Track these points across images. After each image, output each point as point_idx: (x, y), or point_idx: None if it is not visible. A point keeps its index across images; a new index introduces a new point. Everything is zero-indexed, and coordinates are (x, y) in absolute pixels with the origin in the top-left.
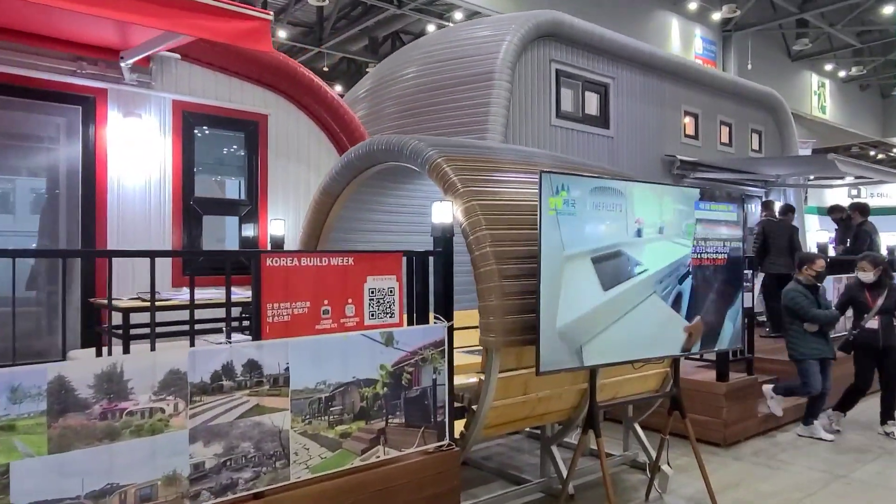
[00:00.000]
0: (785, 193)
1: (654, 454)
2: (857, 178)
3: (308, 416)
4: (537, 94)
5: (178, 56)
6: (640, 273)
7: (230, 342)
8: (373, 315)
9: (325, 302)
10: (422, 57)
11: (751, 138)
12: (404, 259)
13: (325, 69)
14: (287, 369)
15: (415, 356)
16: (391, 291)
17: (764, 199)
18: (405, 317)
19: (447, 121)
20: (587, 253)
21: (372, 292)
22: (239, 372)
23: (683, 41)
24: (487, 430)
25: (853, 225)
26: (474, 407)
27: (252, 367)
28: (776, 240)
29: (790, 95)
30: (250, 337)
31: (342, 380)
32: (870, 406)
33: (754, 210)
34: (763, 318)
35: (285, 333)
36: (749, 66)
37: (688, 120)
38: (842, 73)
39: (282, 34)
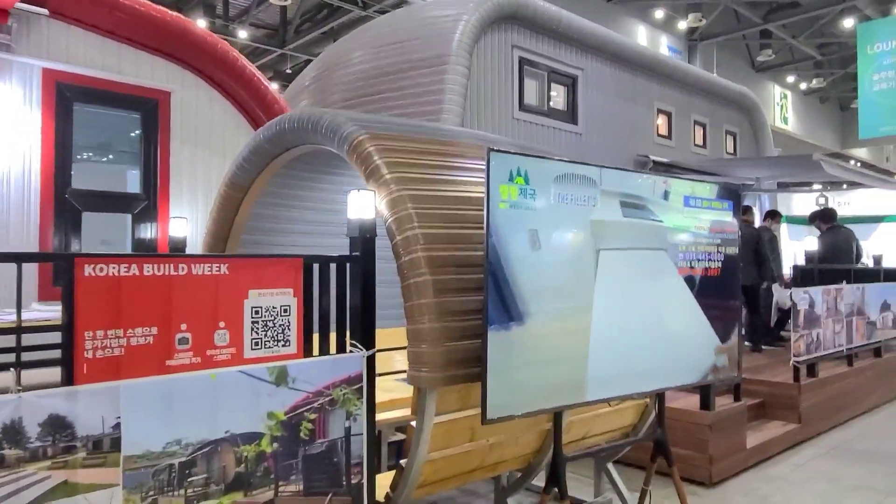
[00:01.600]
0: (760, 199)
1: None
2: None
3: (152, 493)
4: (498, 83)
5: (45, 12)
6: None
7: (20, 389)
8: (258, 344)
9: (183, 327)
10: (371, 40)
11: (725, 140)
12: (316, 266)
13: (289, 71)
14: (117, 426)
15: (319, 398)
16: (285, 310)
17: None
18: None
19: (398, 109)
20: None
21: (257, 312)
22: (34, 434)
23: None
24: (422, 489)
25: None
26: (403, 462)
27: (56, 425)
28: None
29: None
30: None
31: (208, 437)
32: (869, 435)
33: None
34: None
35: (115, 374)
36: (714, 76)
37: (661, 118)
38: (803, 86)
39: (243, 34)
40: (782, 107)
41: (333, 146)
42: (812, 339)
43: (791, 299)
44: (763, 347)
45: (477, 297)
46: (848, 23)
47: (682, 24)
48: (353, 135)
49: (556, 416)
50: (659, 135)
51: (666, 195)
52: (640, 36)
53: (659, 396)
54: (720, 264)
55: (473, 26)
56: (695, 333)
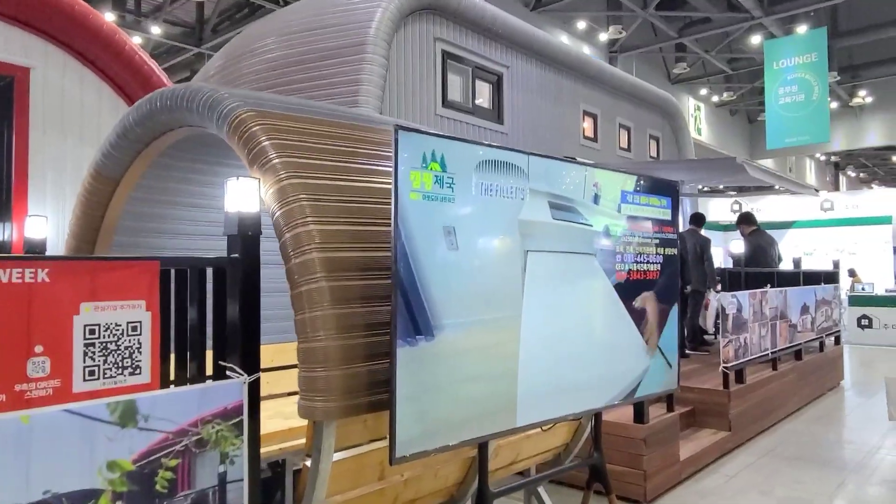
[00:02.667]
0: (682, 204)
1: None
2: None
3: None
4: (420, 77)
5: None
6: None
7: None
8: (93, 374)
9: None
10: (283, 27)
11: (649, 144)
12: (185, 272)
13: None
14: None
15: (182, 438)
16: (134, 329)
17: None
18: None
19: (321, 99)
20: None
21: (92, 332)
22: None
23: (577, 50)
24: None
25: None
26: None
27: None
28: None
29: None
30: None
31: (20, 501)
32: (794, 440)
33: None
34: None
35: None
36: (639, 80)
37: (587, 120)
38: (715, 98)
39: (156, 31)
40: (696, 118)
41: (213, 126)
42: (740, 344)
43: (718, 304)
44: (688, 352)
45: (388, 308)
46: (755, 40)
47: (604, 36)
48: (235, 111)
49: (481, 447)
50: (585, 137)
51: (596, 199)
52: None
53: (595, 416)
54: (659, 267)
55: (392, 15)
56: (630, 344)
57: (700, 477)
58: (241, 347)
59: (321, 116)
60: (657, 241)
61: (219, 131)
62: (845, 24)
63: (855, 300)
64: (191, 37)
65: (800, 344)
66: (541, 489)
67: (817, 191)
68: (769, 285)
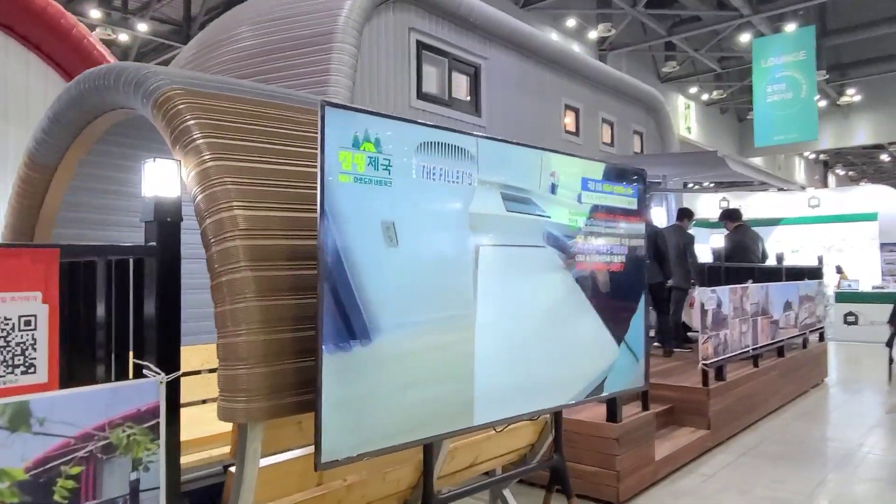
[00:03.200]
0: (667, 199)
1: None
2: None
3: None
4: (394, 68)
5: None
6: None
7: None
8: None
9: None
10: (255, 15)
11: (633, 139)
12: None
13: None
14: None
15: (87, 443)
16: (27, 323)
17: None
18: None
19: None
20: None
21: None
22: None
23: (558, 42)
24: None
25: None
26: None
27: None
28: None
29: None
30: None
31: None
32: (776, 437)
33: None
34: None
35: None
36: (623, 74)
37: (569, 115)
38: (705, 97)
39: (143, 28)
40: (686, 117)
41: (140, 105)
42: (720, 341)
43: (698, 300)
44: (673, 350)
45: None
46: (744, 38)
47: (593, 34)
48: (161, 89)
49: (427, 449)
50: (567, 131)
51: (553, 188)
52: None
53: (556, 416)
54: (624, 258)
55: (363, 3)
56: (594, 339)
57: (677, 477)
58: (159, 344)
59: (255, 96)
60: (622, 231)
61: (144, 110)
62: (833, 23)
63: (841, 297)
64: (178, 34)
65: (782, 340)
66: (507, 492)
67: (803, 188)
68: (750, 281)
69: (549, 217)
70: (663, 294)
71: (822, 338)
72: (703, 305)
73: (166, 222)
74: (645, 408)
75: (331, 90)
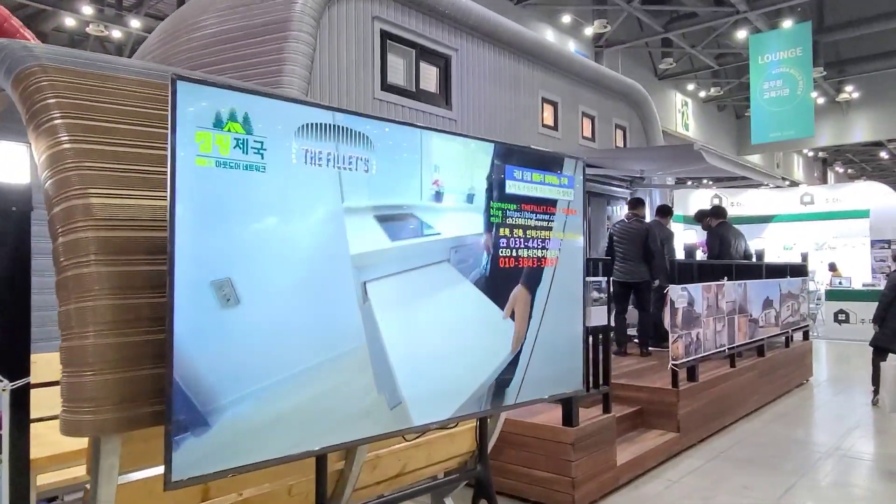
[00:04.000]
0: (651, 195)
1: None
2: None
3: None
4: (356, 59)
5: None
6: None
7: None
8: None
9: None
10: (215, 3)
11: (615, 133)
12: None
13: None
14: None
15: None
16: None
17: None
18: None
19: (243, 80)
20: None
21: None
22: None
23: (534, 34)
24: None
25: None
26: None
27: None
28: (622, 244)
29: (658, 112)
30: None
31: None
32: (750, 440)
33: (618, 212)
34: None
35: None
36: (603, 68)
37: (546, 108)
38: (702, 94)
39: (136, 24)
40: (683, 114)
41: (4, 83)
42: (691, 340)
43: (668, 297)
44: (650, 349)
45: None
46: (741, 34)
47: (589, 30)
48: (24, 64)
49: (319, 462)
50: (544, 125)
51: (438, 196)
52: (549, 40)
53: (480, 423)
54: (558, 252)
55: None
56: (503, 344)
57: (640, 483)
58: (4, 348)
59: (130, 74)
60: (555, 223)
61: (7, 88)
62: (831, 19)
63: (832, 294)
64: None
65: (762, 339)
66: (448, 499)
67: (785, 179)
68: (726, 278)
69: (438, 234)
70: (649, 294)
71: (806, 336)
72: (672, 303)
73: (11, 212)
74: (606, 410)
75: (285, 80)
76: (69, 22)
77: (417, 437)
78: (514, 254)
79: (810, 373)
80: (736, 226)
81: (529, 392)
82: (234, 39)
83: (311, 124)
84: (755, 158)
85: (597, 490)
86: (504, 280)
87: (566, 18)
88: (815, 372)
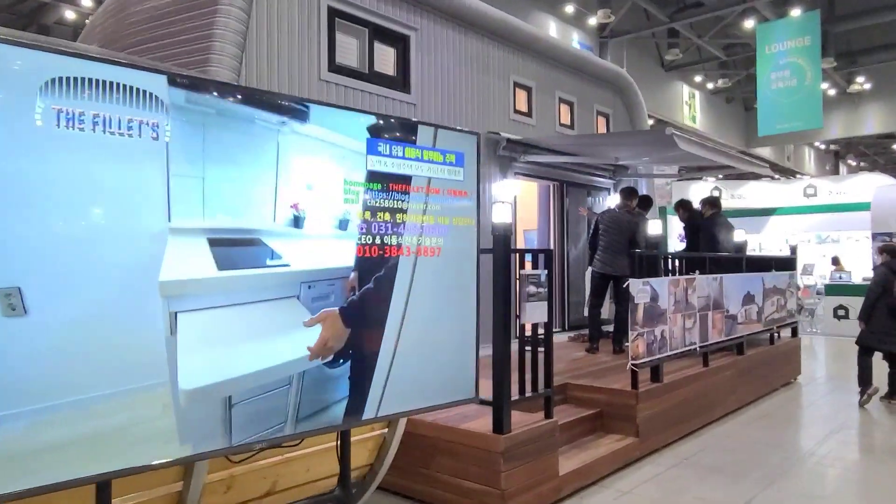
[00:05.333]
0: (638, 186)
1: None
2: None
3: None
4: (299, 37)
5: None
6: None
7: None
8: None
9: None
10: None
11: (597, 121)
12: None
13: None
14: None
15: None
16: None
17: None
18: None
19: (169, 60)
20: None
21: None
22: None
23: (504, 15)
24: None
25: (702, 220)
26: None
27: None
28: (608, 234)
29: (664, 104)
30: None
31: None
32: (720, 444)
33: (601, 204)
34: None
35: None
36: (584, 52)
37: (519, 93)
38: (710, 85)
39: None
40: (690, 106)
41: None
42: (654, 338)
43: (628, 292)
44: (623, 348)
45: None
46: (749, 24)
47: (593, 21)
48: None
49: (101, 487)
50: (517, 111)
51: (297, 222)
52: (552, 30)
53: (342, 435)
54: (441, 241)
55: None
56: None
57: (586, 494)
58: None
59: None
60: (438, 207)
61: None
62: (842, 8)
63: (831, 289)
64: None
65: (741, 337)
66: None
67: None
68: (697, 271)
69: (287, 266)
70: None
71: (795, 333)
72: (633, 299)
73: None
74: (547, 415)
75: (213, 58)
76: (69, 15)
77: (293, 449)
78: (379, 241)
79: (799, 371)
80: (736, 219)
81: (395, 404)
82: (164, 16)
83: (71, 81)
84: (764, 151)
85: (533, 503)
86: (406, 270)
87: (569, 8)
88: (807, 370)
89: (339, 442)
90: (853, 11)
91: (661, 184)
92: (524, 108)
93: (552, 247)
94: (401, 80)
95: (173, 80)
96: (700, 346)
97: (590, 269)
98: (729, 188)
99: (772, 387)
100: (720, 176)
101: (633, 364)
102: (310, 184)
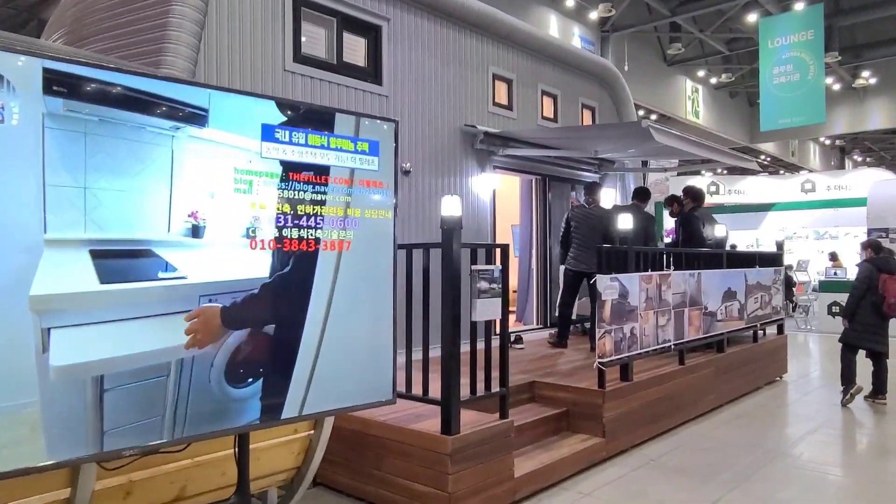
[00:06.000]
0: (624, 180)
1: None
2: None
3: None
4: (262, 27)
5: None
6: None
7: None
8: None
9: None
10: None
11: (582, 114)
12: None
13: None
14: None
15: None
16: None
17: (587, 183)
18: None
19: (121, 51)
20: None
21: None
22: None
23: (562, 39)
24: None
25: (685, 213)
26: None
27: None
28: (580, 231)
29: (666, 99)
30: None
31: None
32: (690, 444)
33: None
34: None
35: None
36: (626, 68)
37: (499, 85)
38: (713, 80)
39: None
40: (693, 101)
41: None
42: (623, 336)
43: (596, 288)
44: None
45: None
46: (752, 18)
47: (594, 15)
48: None
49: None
50: (495, 103)
51: (197, 231)
52: (552, 25)
53: (239, 440)
54: (352, 234)
55: None
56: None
57: (545, 496)
58: None
59: None
60: (348, 198)
61: None
62: (847, 2)
63: (826, 286)
64: None
65: (720, 334)
66: None
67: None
68: (673, 267)
69: (184, 278)
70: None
71: (781, 330)
72: (599, 295)
73: None
74: (503, 416)
75: (168, 47)
76: None
77: (207, 451)
78: (278, 235)
79: (785, 369)
80: (735, 215)
81: (301, 406)
82: (123, 3)
83: None
84: (769, 147)
85: None
86: (309, 266)
87: (570, 2)
88: (796, 368)
89: (236, 448)
90: (858, 5)
91: (661, 178)
92: (504, 101)
93: (534, 242)
94: (372, 72)
95: (49, 88)
96: (675, 344)
97: (562, 267)
98: (727, 183)
99: (754, 385)
100: (723, 171)
101: (599, 362)
102: (212, 191)
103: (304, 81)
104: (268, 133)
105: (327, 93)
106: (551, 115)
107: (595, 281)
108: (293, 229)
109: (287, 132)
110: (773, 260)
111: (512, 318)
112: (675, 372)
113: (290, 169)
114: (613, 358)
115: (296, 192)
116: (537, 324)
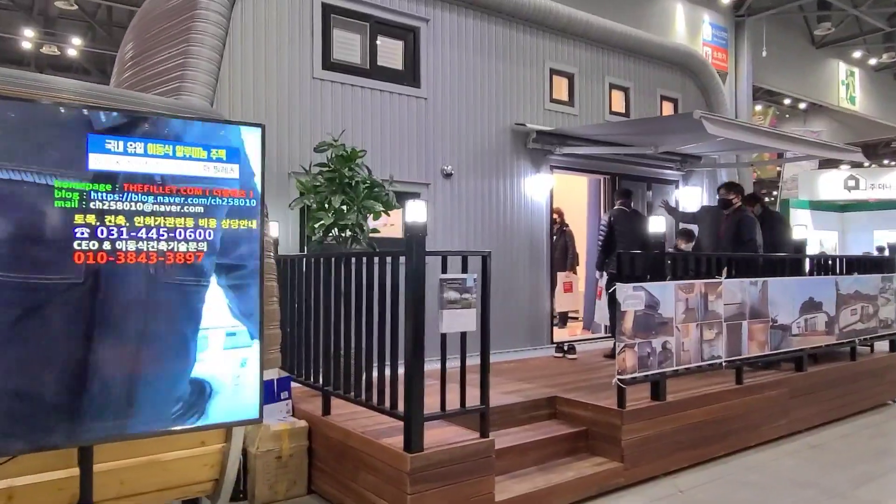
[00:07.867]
0: (717, 176)
1: None
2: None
3: None
4: (288, 36)
5: None
6: None
7: None
8: None
9: None
10: None
11: (661, 107)
12: None
13: None
14: None
15: None
16: None
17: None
18: None
19: (147, 71)
20: None
21: None
22: None
23: (690, 28)
24: None
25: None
26: None
27: None
28: (625, 236)
29: (815, 85)
30: None
31: None
32: (737, 477)
33: (670, 196)
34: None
35: None
36: (763, 53)
37: (557, 81)
38: (872, 61)
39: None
40: (848, 86)
41: None
42: (650, 350)
43: (616, 298)
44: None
45: None
46: None
47: None
48: None
49: None
50: (553, 100)
51: None
52: (679, 14)
53: (81, 452)
54: (202, 246)
55: None
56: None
57: None
58: None
59: None
60: (199, 208)
61: None
62: None
63: None
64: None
65: (796, 351)
66: None
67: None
68: (724, 275)
69: None
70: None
71: (893, 347)
72: (619, 306)
73: None
74: (483, 434)
75: (188, 74)
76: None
77: (105, 460)
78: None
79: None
80: (880, 212)
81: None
82: (155, 20)
83: None
84: None
85: None
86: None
87: None
88: None
89: (80, 461)
90: None
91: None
92: (564, 97)
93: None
94: (409, 74)
95: None
96: (727, 361)
97: (599, 274)
98: (869, 177)
99: (850, 410)
100: (868, 164)
101: (619, 379)
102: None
103: (333, 88)
104: (92, 143)
105: (359, 98)
106: (621, 110)
107: (612, 290)
108: (131, 242)
109: (118, 141)
110: (879, 265)
111: (578, 326)
112: (726, 392)
113: (125, 181)
114: (637, 374)
115: (132, 204)
116: (606, 332)
